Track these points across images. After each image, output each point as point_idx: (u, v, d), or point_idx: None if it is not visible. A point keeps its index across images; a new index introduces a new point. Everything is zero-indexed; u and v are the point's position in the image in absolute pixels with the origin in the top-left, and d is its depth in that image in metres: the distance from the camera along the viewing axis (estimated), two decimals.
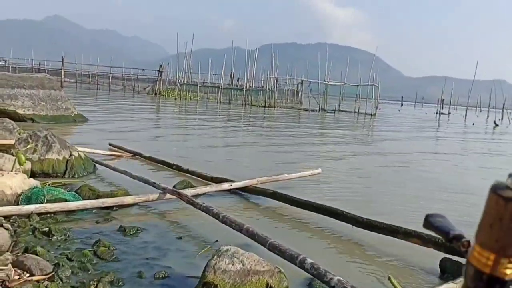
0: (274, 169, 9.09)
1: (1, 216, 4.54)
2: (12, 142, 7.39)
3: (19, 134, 7.57)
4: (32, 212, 4.70)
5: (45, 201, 4.95)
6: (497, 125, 37.14)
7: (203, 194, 6.14)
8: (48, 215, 4.83)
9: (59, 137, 7.20)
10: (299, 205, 5.70)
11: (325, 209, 5.42)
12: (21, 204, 4.90)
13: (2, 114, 13.09)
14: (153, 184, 5.95)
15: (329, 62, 44.69)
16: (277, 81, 47.08)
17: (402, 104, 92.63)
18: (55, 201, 5.04)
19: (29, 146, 6.29)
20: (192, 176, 7.52)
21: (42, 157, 6.65)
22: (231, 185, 6.41)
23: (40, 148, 6.71)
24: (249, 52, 48.84)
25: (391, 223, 4.87)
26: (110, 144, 10.12)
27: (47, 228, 4.33)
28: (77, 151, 7.29)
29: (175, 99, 42.71)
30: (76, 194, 5.35)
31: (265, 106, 40.49)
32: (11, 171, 5.47)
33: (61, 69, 47.57)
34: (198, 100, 43.09)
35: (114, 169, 7.04)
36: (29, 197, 5.00)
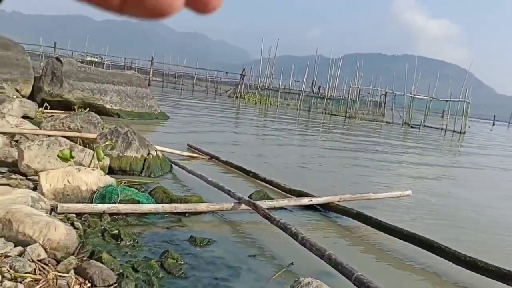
0: (352, 184, 8.46)
1: (74, 213, 4.40)
2: (95, 136, 7.45)
3: (102, 128, 7.62)
4: (104, 211, 4.52)
5: (118, 200, 4.77)
6: None
7: (280, 207, 5.69)
8: (120, 216, 4.64)
9: (139, 135, 7.13)
10: (387, 231, 5.05)
11: (418, 239, 4.73)
12: (94, 202, 4.76)
13: (91, 108, 13.62)
14: (228, 192, 5.61)
15: (417, 75, 42.64)
16: (359, 91, 45.75)
17: (494, 124, 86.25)
18: (128, 201, 4.85)
19: (107, 143, 6.23)
20: (269, 186, 7.12)
21: (121, 154, 6.59)
22: (311, 200, 5.90)
23: (120, 145, 6.65)
24: (332, 61, 47.92)
25: (498, 264, 4.11)
26: (188, 145, 10.04)
27: (117, 231, 4.11)
28: (155, 150, 7.18)
29: (255, 103, 42.91)
30: (149, 196, 5.14)
31: (345, 116, 39.43)
32: (89, 166, 5.38)
33: (150, 68, 49.80)
34: (278, 106, 42.97)
35: (190, 171, 6.82)
36: (103, 195, 4.85)
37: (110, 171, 6.30)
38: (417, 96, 40.98)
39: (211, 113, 23.59)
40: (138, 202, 4.89)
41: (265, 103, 43.76)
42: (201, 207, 5.07)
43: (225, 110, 29.29)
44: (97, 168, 5.46)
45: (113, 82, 14.19)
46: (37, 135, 7.52)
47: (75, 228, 4.04)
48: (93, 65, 39.79)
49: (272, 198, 5.97)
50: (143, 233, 4.31)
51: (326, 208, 6.03)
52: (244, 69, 48.84)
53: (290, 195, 6.60)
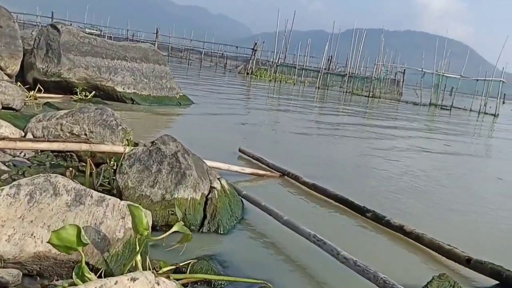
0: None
1: None
2: (120, 150, 4.48)
3: (127, 137, 4.61)
4: None
5: None
6: None
7: None
8: None
9: (194, 156, 4.13)
10: None
11: None
12: None
13: (98, 91, 10.62)
14: None
15: (446, 52, 39.20)
16: (379, 68, 42.59)
17: (504, 102, 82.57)
18: None
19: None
20: (412, 241, 4.18)
21: (168, 196, 3.61)
22: None
23: (165, 179, 3.67)
24: (338, 36, 44.24)
25: None
26: (240, 151, 7.07)
27: None
28: (219, 180, 4.20)
29: (270, 81, 39.67)
30: None
31: (368, 96, 36.24)
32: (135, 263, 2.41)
33: (154, 41, 46.27)
34: (294, 84, 39.73)
35: (286, 223, 3.85)
36: None
37: (152, 228, 3.35)
38: (447, 75, 37.68)
39: (233, 92, 20.46)
40: None
41: (280, 81, 40.52)
42: None
43: (246, 90, 26.17)
44: (137, 244, 2.50)
45: (125, 57, 11.09)
46: (17, 150, 4.54)
47: None
48: None
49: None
50: None
51: None
52: (255, 43, 45.32)
53: (466, 267, 3.70)
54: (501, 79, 34.27)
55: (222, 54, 53.63)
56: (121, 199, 3.51)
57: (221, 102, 15.18)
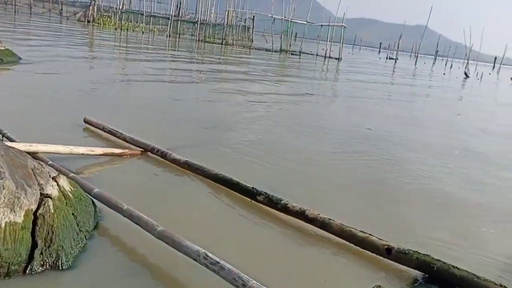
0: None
1: None
2: None
3: None
4: None
5: None
6: (468, 76, 34.96)
7: None
8: None
9: (9, 151, 2.67)
10: None
11: None
12: None
13: None
14: None
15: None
16: (231, 15, 41.78)
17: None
18: None
19: None
20: (318, 229, 3.42)
21: None
22: None
23: None
24: None
25: None
26: (86, 121, 5.57)
27: None
28: (55, 180, 2.84)
29: (115, 29, 36.15)
30: None
31: (222, 44, 35.45)
32: None
33: None
34: (143, 32, 36.87)
35: (163, 237, 2.71)
36: None
37: None
38: (295, 21, 38.54)
39: (71, 45, 17.70)
40: None
41: (126, 29, 37.25)
42: None
43: (86, 40, 23.14)
44: None
45: None
46: None
47: None
48: None
49: None
50: None
51: None
52: None
53: (387, 258, 3.07)
54: (343, 24, 36.14)
55: None
56: None
57: (57, 58, 12.79)
